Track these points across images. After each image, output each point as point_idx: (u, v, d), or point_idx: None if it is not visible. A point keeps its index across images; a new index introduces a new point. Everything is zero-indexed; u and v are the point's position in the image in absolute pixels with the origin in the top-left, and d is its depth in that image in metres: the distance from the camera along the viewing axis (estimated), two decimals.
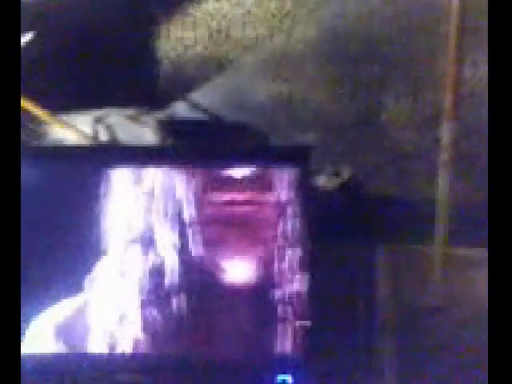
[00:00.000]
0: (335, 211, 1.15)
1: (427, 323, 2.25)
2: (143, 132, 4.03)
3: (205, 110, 3.85)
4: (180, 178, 1.20)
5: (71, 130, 3.66)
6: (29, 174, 1.22)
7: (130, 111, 4.02)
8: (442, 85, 2.97)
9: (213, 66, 3.86)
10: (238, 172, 1.20)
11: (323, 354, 1.10)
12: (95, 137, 4.00)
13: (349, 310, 1.49)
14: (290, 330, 1.15)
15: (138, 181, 1.19)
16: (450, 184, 2.49)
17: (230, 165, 1.20)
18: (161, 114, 3.80)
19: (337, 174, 3.25)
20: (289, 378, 1.12)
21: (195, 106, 3.87)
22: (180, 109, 3.89)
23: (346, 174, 3.37)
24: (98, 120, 4.07)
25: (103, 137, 4.12)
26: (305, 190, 1.19)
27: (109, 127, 4.16)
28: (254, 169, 1.20)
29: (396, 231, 2.82)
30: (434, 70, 3.61)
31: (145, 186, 1.20)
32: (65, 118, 3.70)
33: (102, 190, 1.20)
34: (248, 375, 1.12)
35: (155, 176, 1.19)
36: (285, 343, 1.15)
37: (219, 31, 3.86)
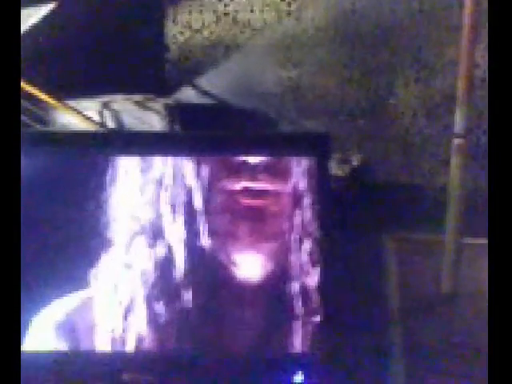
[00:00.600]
0: (344, 200, 1.11)
1: (438, 311, 2.23)
2: (150, 118, 4.01)
3: (212, 96, 3.81)
4: (191, 165, 1.15)
5: (78, 115, 3.64)
6: (35, 160, 1.19)
7: (137, 97, 4.00)
8: (453, 70, 2.92)
9: (220, 50, 3.82)
10: (252, 160, 1.16)
11: (336, 350, 1.08)
12: (102, 123, 3.99)
13: (363, 302, 1.47)
14: (303, 326, 1.12)
15: (147, 169, 1.15)
16: (461, 171, 2.46)
17: (243, 152, 1.15)
18: (168, 100, 3.78)
19: (346, 162, 3.22)
20: (301, 375, 1.10)
21: (203, 92, 3.84)
22: (187, 94, 3.86)
23: (355, 161, 3.34)
24: (104, 106, 4.06)
25: (110, 123, 4.10)
26: (322, 179, 1.14)
27: (116, 113, 4.14)
28: (269, 157, 1.15)
29: (406, 220, 2.79)
30: (446, 56, 3.55)
31: (154, 173, 1.16)
32: (72, 103, 3.68)
33: (110, 177, 1.17)
34: (259, 372, 1.10)
35: (165, 164, 1.16)
36: (298, 339, 1.12)
37: (227, 15, 3.81)
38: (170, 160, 1.13)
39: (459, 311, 2.14)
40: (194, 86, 3.95)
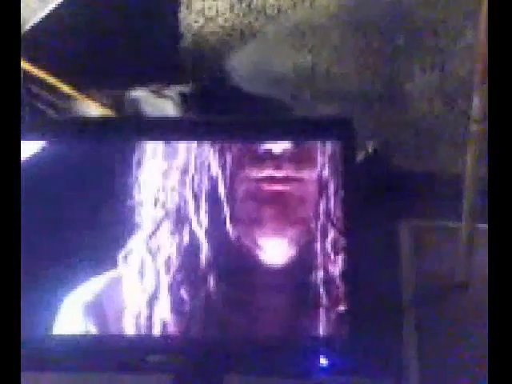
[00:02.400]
0: (361, 186, 1.12)
1: (453, 299, 2.24)
2: (167, 106, 4.03)
3: (228, 83, 3.82)
4: (215, 151, 1.18)
5: (95, 104, 3.67)
6: (60, 147, 1.22)
7: (153, 85, 4.01)
8: (470, 55, 2.88)
9: (235, 37, 3.81)
10: (276, 146, 1.17)
11: (361, 334, 1.09)
12: (119, 111, 4.01)
13: (384, 291, 1.48)
14: (327, 310, 1.14)
15: (171, 155, 1.18)
16: (478, 158, 2.44)
17: (267, 138, 1.17)
18: (184, 88, 3.79)
19: (361, 148, 3.21)
20: (327, 359, 1.12)
21: (218, 79, 3.84)
22: (202, 82, 3.86)
23: (370, 147, 3.32)
24: (120, 94, 4.08)
25: (127, 111, 4.13)
26: (348, 165, 1.15)
27: (133, 101, 4.17)
28: (293, 142, 1.17)
29: (423, 207, 2.78)
30: (463, 40, 3.50)
31: (178, 160, 1.19)
32: (88, 92, 3.71)
33: (134, 163, 1.19)
34: (285, 357, 1.12)
35: (189, 149, 1.18)
36: (323, 324, 1.14)
37: (241, 1, 3.79)
38: (194, 146, 1.15)
39: (475, 298, 2.14)
40: (210, 74, 3.96)
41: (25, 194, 1.17)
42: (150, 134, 1.19)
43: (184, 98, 3.70)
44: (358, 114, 3.56)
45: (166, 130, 1.20)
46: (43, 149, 1.21)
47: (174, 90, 3.72)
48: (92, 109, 3.65)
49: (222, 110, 3.60)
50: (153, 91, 3.83)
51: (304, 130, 1.17)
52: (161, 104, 3.79)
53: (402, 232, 2.38)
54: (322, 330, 1.13)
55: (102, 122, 1.37)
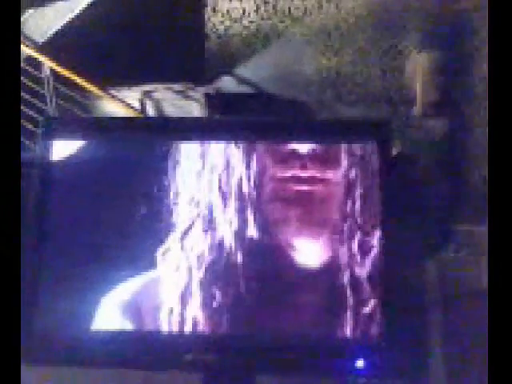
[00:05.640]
0: (386, 188, 1.13)
1: (480, 303, 2.22)
2: (190, 106, 4.06)
3: (252, 84, 3.83)
4: (241, 152, 1.18)
5: (120, 104, 3.71)
6: (97, 146, 1.24)
7: (177, 86, 4.05)
8: None
9: (260, 39, 3.82)
10: (304, 147, 1.17)
11: (396, 336, 1.09)
12: (143, 111, 4.06)
13: (417, 291, 1.48)
14: (360, 312, 1.13)
15: (203, 156, 1.19)
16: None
17: (295, 139, 1.17)
18: (208, 89, 3.81)
19: (389, 150, 3.19)
20: (361, 363, 1.12)
21: (242, 81, 3.85)
22: (227, 83, 3.88)
23: (395, 149, 3.31)
24: (145, 95, 4.13)
25: (151, 111, 4.17)
26: (376, 166, 1.15)
27: (156, 102, 4.21)
28: (325, 144, 1.17)
29: (448, 210, 2.77)
30: (487, 43, 3.47)
31: (207, 160, 1.19)
32: (114, 93, 3.76)
33: (166, 163, 1.21)
34: (319, 358, 1.12)
35: (217, 150, 1.19)
36: (356, 325, 1.14)
37: (267, 3, 3.81)
38: (223, 146, 1.16)
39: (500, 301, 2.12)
40: (234, 75, 3.98)
41: (63, 193, 1.19)
42: (182, 135, 1.20)
43: (208, 99, 3.73)
44: (382, 116, 3.55)
45: (196, 130, 1.22)
46: (80, 149, 1.22)
47: (198, 91, 3.75)
48: (117, 109, 3.70)
49: (246, 112, 3.61)
50: (177, 92, 3.87)
51: (335, 132, 1.17)
52: (185, 105, 3.82)
53: (429, 233, 2.36)
54: (353, 331, 1.13)
55: (136, 123, 1.39)
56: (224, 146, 1.16)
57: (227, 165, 1.16)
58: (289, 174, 1.15)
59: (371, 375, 1.14)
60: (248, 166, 1.15)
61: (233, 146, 1.16)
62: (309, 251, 1.14)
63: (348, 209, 1.14)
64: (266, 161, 1.15)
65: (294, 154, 1.15)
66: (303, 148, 1.15)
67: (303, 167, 1.15)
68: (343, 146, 1.14)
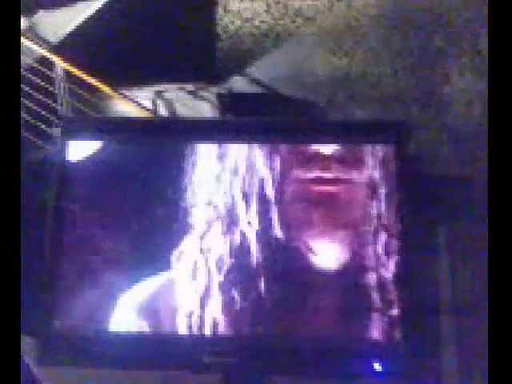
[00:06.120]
0: (410, 189, 1.12)
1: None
2: (202, 106, 4.06)
3: (263, 84, 3.83)
4: (265, 154, 1.19)
5: (132, 104, 3.72)
6: (113, 148, 1.25)
7: (189, 86, 4.05)
8: None
9: (271, 39, 3.82)
10: (326, 149, 1.18)
11: (414, 339, 1.09)
12: (155, 111, 4.06)
13: (437, 294, 1.47)
14: (380, 315, 1.14)
15: (224, 156, 1.19)
16: None
17: (318, 141, 1.18)
18: (219, 89, 3.81)
19: (409, 151, 3.17)
20: (382, 365, 1.12)
21: (254, 81, 3.85)
22: (238, 83, 3.88)
23: (413, 150, 3.29)
24: (157, 95, 4.13)
25: (163, 111, 4.17)
26: (399, 168, 1.15)
27: (168, 101, 4.21)
28: (345, 145, 1.17)
29: (459, 211, 2.75)
30: (488, 43, 3.45)
31: (230, 161, 1.20)
32: (126, 92, 3.76)
33: (185, 165, 1.21)
34: (339, 360, 1.12)
35: (237, 152, 1.19)
36: (376, 328, 1.14)
37: (278, 3, 3.80)
38: (244, 148, 1.16)
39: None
40: (246, 75, 3.97)
41: (81, 194, 1.20)
42: (201, 136, 1.21)
43: (220, 99, 3.73)
44: (394, 116, 3.53)
45: (215, 131, 1.22)
46: (97, 149, 1.23)
47: (210, 91, 3.75)
48: (129, 109, 3.71)
49: (257, 112, 3.61)
50: (189, 92, 3.87)
51: (356, 133, 1.17)
52: (197, 105, 3.82)
53: (455, 235, 2.35)
54: (373, 334, 1.13)
55: (153, 123, 1.40)
56: (243, 147, 1.16)
57: (249, 166, 1.16)
58: (312, 175, 1.16)
59: (391, 378, 1.14)
60: (271, 168, 1.15)
61: (255, 147, 1.16)
62: (330, 252, 1.15)
63: (370, 209, 1.14)
64: (289, 162, 1.15)
65: (317, 155, 1.15)
66: (325, 149, 1.15)
67: (326, 168, 1.15)
68: (365, 147, 1.14)
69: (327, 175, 1.17)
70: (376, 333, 1.14)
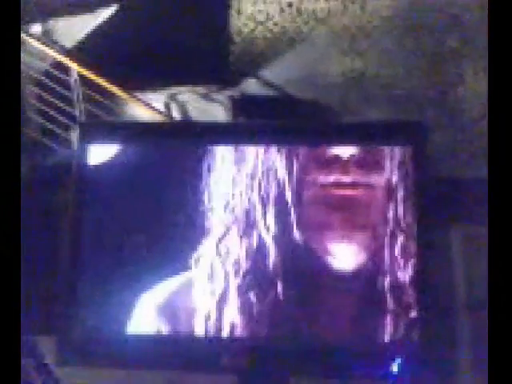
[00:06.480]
0: (428, 192, 1.12)
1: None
2: (215, 109, 4.08)
3: (277, 87, 3.83)
4: (283, 157, 1.19)
5: (146, 107, 3.74)
6: (130, 151, 1.25)
7: (202, 89, 4.07)
8: None
9: (284, 41, 3.82)
10: (344, 151, 1.17)
11: (430, 341, 1.09)
12: (168, 114, 4.08)
13: (455, 296, 1.47)
14: (396, 316, 1.13)
15: (239, 160, 1.20)
16: None
17: (336, 143, 1.17)
18: (232, 92, 3.82)
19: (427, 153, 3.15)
20: (397, 365, 1.12)
21: (267, 83, 3.86)
22: (252, 86, 3.89)
23: (430, 152, 3.27)
24: (170, 98, 4.15)
25: (176, 114, 4.20)
26: (418, 170, 1.15)
27: (181, 105, 4.23)
28: (361, 147, 1.17)
29: (475, 213, 2.73)
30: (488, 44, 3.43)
31: (246, 165, 1.20)
32: (139, 95, 3.79)
33: (204, 168, 1.22)
34: (355, 362, 1.12)
35: (255, 155, 1.19)
36: (392, 330, 1.14)
37: (290, 5, 3.81)
38: (261, 151, 1.17)
39: None
40: (259, 78, 3.98)
41: (99, 198, 1.21)
42: (218, 139, 1.21)
43: (233, 102, 3.74)
44: (408, 118, 3.52)
45: (233, 134, 1.22)
46: (116, 154, 1.24)
47: (223, 94, 3.76)
48: (143, 112, 3.73)
49: (270, 115, 3.61)
50: (202, 95, 3.88)
51: (374, 135, 1.17)
52: (210, 108, 3.83)
53: (473, 237, 2.33)
54: (390, 336, 1.13)
55: (171, 127, 1.41)
56: (260, 150, 1.16)
57: (267, 169, 1.16)
58: (330, 177, 1.16)
59: (407, 380, 1.14)
60: (289, 171, 1.16)
61: (273, 150, 1.16)
62: (347, 255, 1.15)
63: (387, 212, 1.13)
64: (307, 165, 1.15)
65: (334, 157, 1.15)
66: (343, 151, 1.15)
67: (343, 171, 1.15)
68: (383, 149, 1.13)
69: (344, 177, 1.17)
70: (392, 335, 1.13)
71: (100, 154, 1.26)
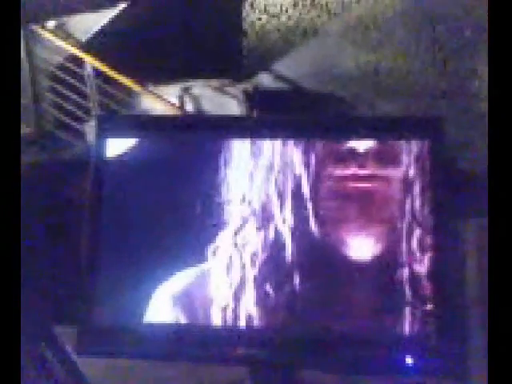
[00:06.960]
0: (446, 185, 1.12)
1: None
2: (228, 103, 4.09)
3: (290, 80, 3.83)
4: (300, 150, 1.19)
5: (159, 100, 3.76)
6: (147, 145, 1.26)
7: (216, 82, 4.07)
8: None
9: (298, 34, 3.82)
10: (361, 145, 1.18)
11: (447, 336, 1.09)
12: (182, 107, 4.10)
13: (471, 290, 1.47)
14: (413, 309, 1.14)
15: (257, 153, 1.21)
16: None
17: (353, 137, 1.18)
18: (246, 85, 3.83)
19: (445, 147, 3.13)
20: (412, 358, 1.12)
21: (281, 77, 3.86)
22: (265, 79, 3.89)
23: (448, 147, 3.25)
24: (184, 91, 4.17)
25: (189, 107, 4.21)
26: (435, 164, 1.15)
27: (195, 98, 4.24)
28: (379, 141, 1.17)
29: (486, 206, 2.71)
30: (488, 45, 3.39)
31: (263, 158, 1.21)
32: (153, 89, 3.80)
33: (221, 161, 1.22)
34: (370, 354, 1.13)
35: (274, 148, 1.20)
36: (409, 322, 1.14)
37: None
38: (278, 144, 1.17)
39: None
40: (272, 71, 3.98)
41: (118, 190, 1.22)
42: (236, 133, 1.22)
43: (247, 96, 3.74)
44: (422, 111, 3.50)
45: (250, 128, 1.23)
46: (134, 147, 1.25)
47: (237, 88, 3.77)
48: (157, 105, 3.75)
49: (283, 108, 3.61)
50: (216, 89, 3.89)
51: (392, 129, 1.17)
52: (224, 101, 3.84)
53: (471, 232, 2.32)
54: (406, 329, 1.13)
55: (188, 120, 1.41)
56: (278, 144, 1.17)
57: (284, 163, 1.17)
58: (348, 172, 1.16)
59: (423, 372, 1.14)
60: (306, 165, 1.16)
61: (290, 144, 1.17)
62: (365, 248, 1.15)
63: (405, 205, 1.14)
64: (324, 159, 1.16)
65: (352, 151, 1.15)
66: (360, 145, 1.15)
67: (361, 165, 1.15)
68: (400, 143, 1.14)
69: (362, 171, 1.17)
70: (409, 327, 1.14)
71: (117, 147, 1.26)
